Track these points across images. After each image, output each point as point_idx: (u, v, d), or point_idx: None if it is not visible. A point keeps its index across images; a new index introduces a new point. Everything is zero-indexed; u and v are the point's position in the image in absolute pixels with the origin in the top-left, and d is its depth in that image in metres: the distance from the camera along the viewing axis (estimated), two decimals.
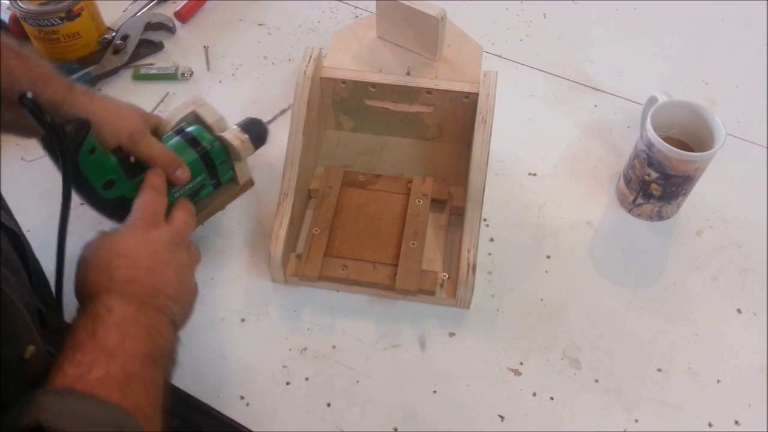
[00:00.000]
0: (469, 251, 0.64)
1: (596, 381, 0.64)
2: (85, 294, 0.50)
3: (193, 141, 0.64)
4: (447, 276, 0.67)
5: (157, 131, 0.64)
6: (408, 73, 0.71)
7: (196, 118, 0.66)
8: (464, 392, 0.63)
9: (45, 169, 0.79)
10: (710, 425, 0.61)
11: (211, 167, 0.65)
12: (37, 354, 0.44)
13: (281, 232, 0.66)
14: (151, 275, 0.52)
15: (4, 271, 0.46)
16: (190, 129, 0.65)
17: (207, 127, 0.65)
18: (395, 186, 0.73)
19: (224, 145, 0.65)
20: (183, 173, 0.63)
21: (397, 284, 0.65)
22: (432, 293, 0.66)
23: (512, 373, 0.64)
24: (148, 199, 0.58)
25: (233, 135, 0.65)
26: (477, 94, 0.68)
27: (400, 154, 0.78)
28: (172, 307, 0.52)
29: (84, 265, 0.51)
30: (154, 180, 0.59)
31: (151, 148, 0.60)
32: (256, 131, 0.67)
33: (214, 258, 0.72)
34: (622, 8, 0.99)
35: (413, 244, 0.68)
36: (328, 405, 0.62)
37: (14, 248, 0.50)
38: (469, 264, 0.64)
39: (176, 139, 0.64)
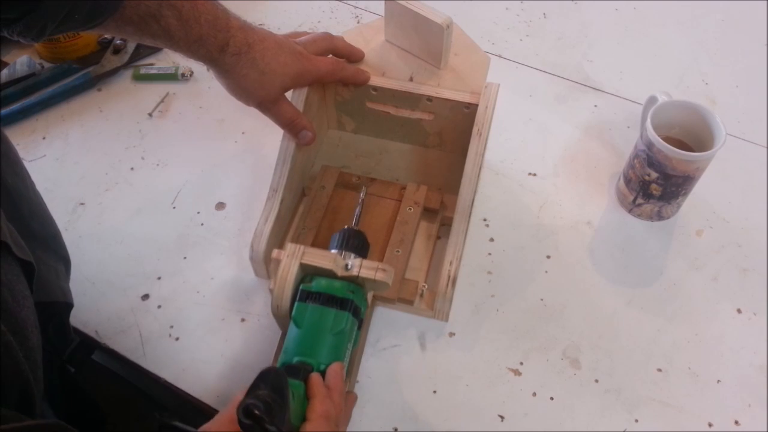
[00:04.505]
0: (451, 263, 0.64)
1: (596, 381, 0.64)
2: None
3: (332, 300, 0.54)
4: (426, 287, 0.67)
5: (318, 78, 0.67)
6: (411, 79, 0.71)
7: (307, 269, 0.56)
8: (464, 392, 0.63)
9: (45, 169, 0.79)
10: (710, 425, 0.61)
11: (357, 315, 0.56)
12: None
13: (266, 228, 0.66)
14: None
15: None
16: (317, 287, 0.55)
17: (328, 274, 0.56)
18: (388, 191, 0.73)
19: (359, 283, 0.57)
20: (304, 137, 0.67)
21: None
22: (411, 303, 0.66)
23: (512, 373, 0.64)
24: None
25: (363, 267, 0.56)
26: (477, 105, 0.68)
27: (398, 159, 0.77)
28: None
29: None
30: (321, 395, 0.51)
31: (276, 116, 0.66)
32: (357, 243, 0.60)
33: (214, 258, 0.72)
34: (622, 8, 0.99)
35: (398, 251, 0.68)
36: None
37: (25, 274, 0.50)
38: (449, 276, 0.64)
39: (311, 308, 0.54)
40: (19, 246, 0.47)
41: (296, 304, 0.55)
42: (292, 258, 0.56)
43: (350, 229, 0.62)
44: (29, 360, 0.45)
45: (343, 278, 0.56)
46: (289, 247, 0.56)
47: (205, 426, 0.46)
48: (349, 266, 0.56)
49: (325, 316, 0.54)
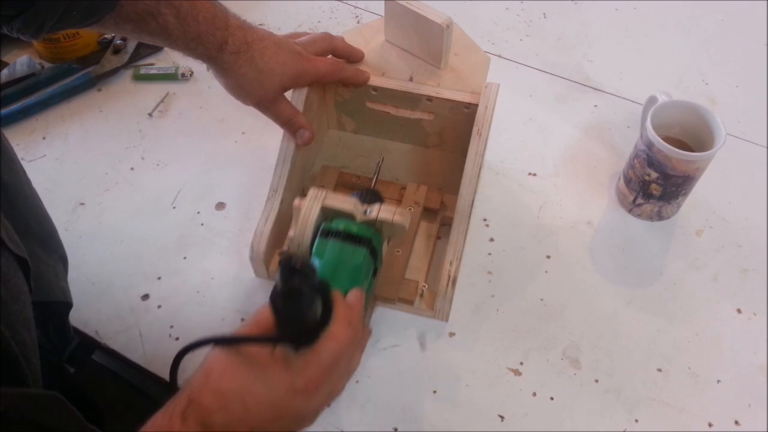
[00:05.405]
0: (451, 264, 0.64)
1: (596, 381, 0.64)
2: (185, 388, 0.44)
3: (350, 237, 0.56)
4: (426, 287, 0.67)
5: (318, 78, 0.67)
6: (411, 79, 0.71)
7: (327, 212, 0.58)
8: (464, 392, 0.63)
9: (45, 169, 0.79)
10: (710, 425, 0.61)
11: (374, 256, 0.58)
12: None
13: (266, 228, 0.66)
14: None
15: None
16: (337, 226, 0.57)
17: (348, 216, 0.57)
18: (388, 191, 0.73)
19: (377, 228, 0.58)
20: (302, 136, 0.67)
21: (376, 291, 0.65)
22: (411, 303, 0.66)
23: (512, 373, 0.64)
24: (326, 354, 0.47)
25: (382, 211, 0.57)
26: (477, 105, 0.68)
27: (398, 159, 0.77)
28: None
29: (210, 371, 0.45)
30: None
31: (274, 114, 0.66)
32: (375, 200, 0.61)
33: (214, 258, 0.72)
34: (622, 8, 0.99)
35: (398, 251, 0.68)
36: (328, 405, 0.62)
37: (21, 270, 0.50)
38: (449, 277, 0.64)
39: (331, 243, 0.56)
40: (14, 242, 0.47)
41: (317, 240, 0.57)
42: (314, 200, 0.57)
43: (368, 189, 0.65)
44: (22, 356, 0.45)
45: (361, 223, 0.58)
46: (312, 191, 0.58)
47: (234, 332, 0.46)
48: (368, 211, 0.58)
49: (344, 251, 0.56)
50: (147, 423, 0.42)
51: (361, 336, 0.52)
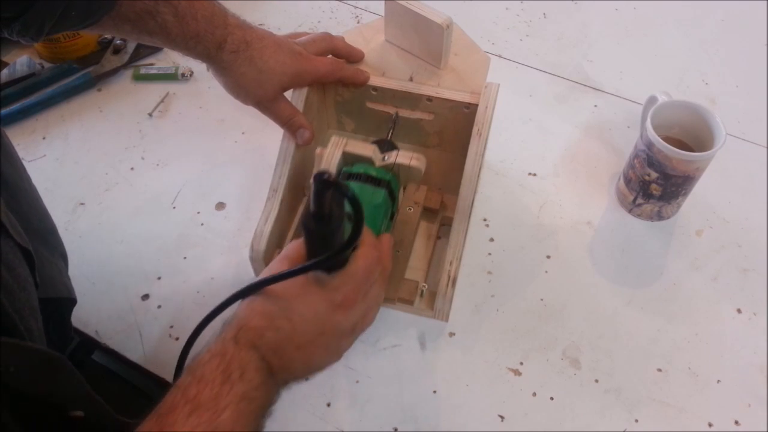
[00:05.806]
0: (451, 264, 0.64)
1: (596, 381, 0.64)
2: (233, 319, 0.46)
3: (370, 179, 0.59)
4: (426, 287, 0.67)
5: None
6: (411, 79, 0.71)
7: (348, 158, 0.61)
8: (464, 392, 0.63)
9: (45, 169, 0.79)
10: (710, 425, 0.61)
11: (393, 200, 0.61)
12: (84, 418, 0.44)
13: (266, 228, 0.66)
14: (298, 352, 0.46)
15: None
16: (357, 169, 0.60)
17: (368, 161, 0.60)
18: None
19: (395, 172, 0.61)
20: (302, 135, 0.67)
21: None
22: (411, 303, 0.66)
23: (512, 373, 0.64)
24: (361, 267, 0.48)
25: (399, 156, 0.60)
26: (477, 105, 0.68)
27: None
28: (298, 378, 0.49)
29: (253, 301, 0.47)
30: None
31: (274, 114, 0.66)
32: (391, 149, 0.63)
33: (214, 258, 0.72)
34: (622, 8, 0.99)
35: (398, 251, 0.68)
36: (328, 405, 0.62)
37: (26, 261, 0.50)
38: (449, 277, 0.64)
39: (352, 184, 0.58)
40: (17, 232, 0.48)
41: None
42: (335, 147, 0.60)
43: (385, 139, 0.67)
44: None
45: (380, 167, 0.60)
46: (333, 138, 0.61)
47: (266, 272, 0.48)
48: (386, 158, 0.61)
49: (365, 191, 0.58)
50: (203, 352, 0.44)
51: (383, 269, 0.52)
